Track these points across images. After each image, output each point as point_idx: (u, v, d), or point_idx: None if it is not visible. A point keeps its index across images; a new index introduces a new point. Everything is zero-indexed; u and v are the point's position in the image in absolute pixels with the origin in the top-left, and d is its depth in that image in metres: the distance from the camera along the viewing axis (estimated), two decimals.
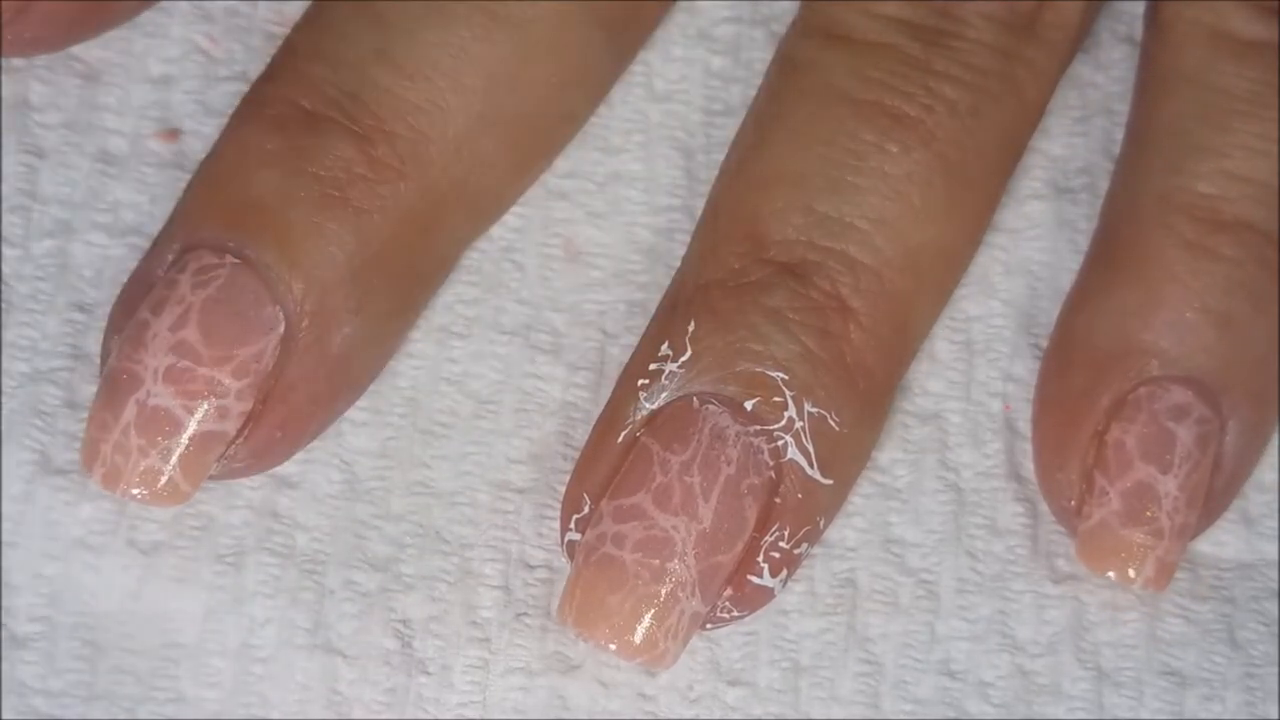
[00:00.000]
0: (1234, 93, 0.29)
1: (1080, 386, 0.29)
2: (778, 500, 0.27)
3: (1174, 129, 0.29)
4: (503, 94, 0.28)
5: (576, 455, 0.29)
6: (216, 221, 0.27)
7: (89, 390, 0.29)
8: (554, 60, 0.29)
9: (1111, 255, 0.29)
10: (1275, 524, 0.30)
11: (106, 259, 0.30)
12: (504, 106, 0.28)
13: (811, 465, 0.27)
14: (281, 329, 0.27)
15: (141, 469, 0.27)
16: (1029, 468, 0.30)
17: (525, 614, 0.29)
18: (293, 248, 0.27)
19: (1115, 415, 0.28)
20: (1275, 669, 0.29)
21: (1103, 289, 0.29)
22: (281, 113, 0.28)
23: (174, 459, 0.27)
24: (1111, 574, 0.28)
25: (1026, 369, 0.30)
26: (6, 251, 0.30)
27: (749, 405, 0.27)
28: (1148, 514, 0.28)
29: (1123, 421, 0.28)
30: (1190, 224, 0.29)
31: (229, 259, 0.27)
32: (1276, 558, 0.30)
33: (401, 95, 0.28)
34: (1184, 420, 0.28)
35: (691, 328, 0.27)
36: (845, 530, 0.29)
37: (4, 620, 0.28)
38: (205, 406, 0.27)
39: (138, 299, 0.27)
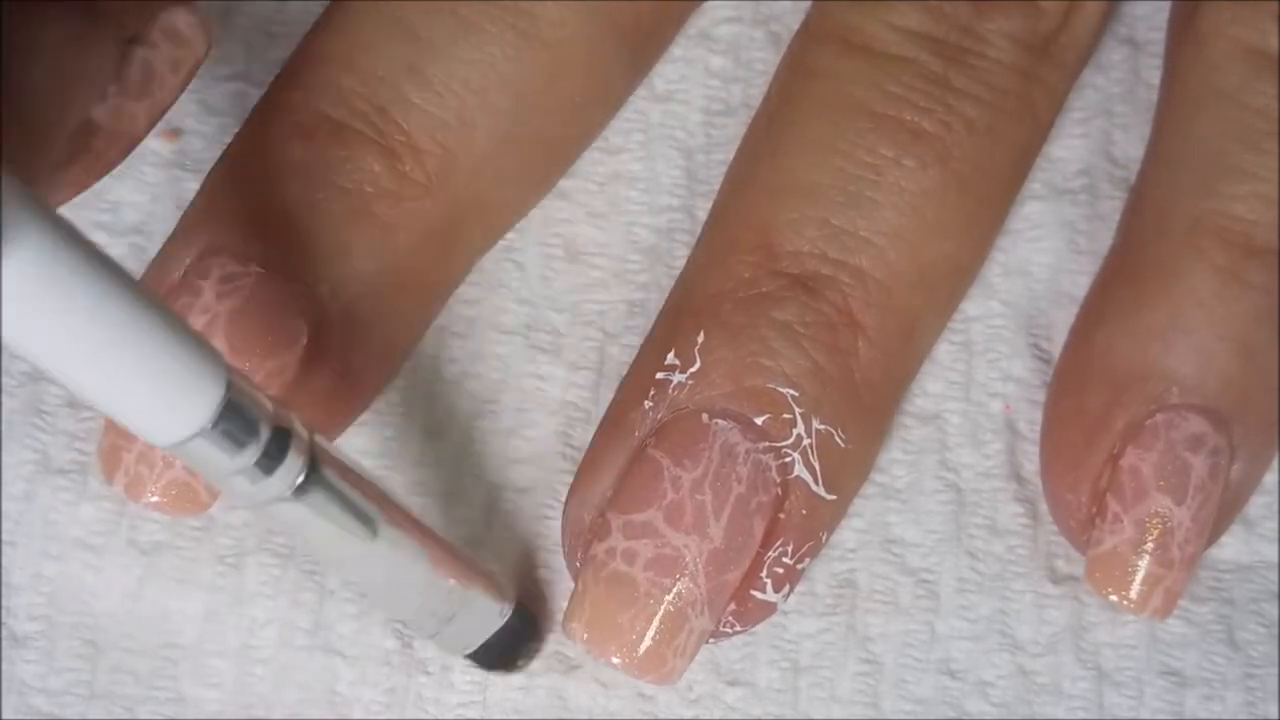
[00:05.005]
0: (1272, 114, 0.28)
1: (1096, 406, 0.28)
2: (782, 516, 0.27)
3: (1208, 148, 0.29)
4: (529, 113, 0.28)
5: (576, 455, 0.29)
6: (240, 228, 0.27)
7: None
8: (580, 81, 0.29)
9: (1137, 273, 0.29)
10: (1275, 526, 0.30)
11: None
12: (529, 125, 0.28)
13: (817, 481, 0.27)
14: (305, 341, 0.27)
15: (166, 480, 0.26)
16: (1029, 468, 0.30)
17: None
18: (318, 261, 0.27)
19: (1131, 439, 0.28)
20: (1275, 669, 0.29)
21: (1126, 307, 0.29)
22: (308, 121, 0.27)
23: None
24: (1117, 598, 0.28)
25: (1026, 369, 0.30)
26: None
27: (759, 421, 0.27)
28: (1160, 544, 0.28)
29: (1139, 448, 0.28)
30: (1222, 248, 0.28)
31: (254, 267, 0.27)
32: (1276, 559, 0.30)
33: (431, 112, 0.27)
34: (1200, 450, 0.28)
35: (700, 338, 0.27)
36: (845, 530, 0.29)
37: (4, 620, 0.28)
38: None
39: None
